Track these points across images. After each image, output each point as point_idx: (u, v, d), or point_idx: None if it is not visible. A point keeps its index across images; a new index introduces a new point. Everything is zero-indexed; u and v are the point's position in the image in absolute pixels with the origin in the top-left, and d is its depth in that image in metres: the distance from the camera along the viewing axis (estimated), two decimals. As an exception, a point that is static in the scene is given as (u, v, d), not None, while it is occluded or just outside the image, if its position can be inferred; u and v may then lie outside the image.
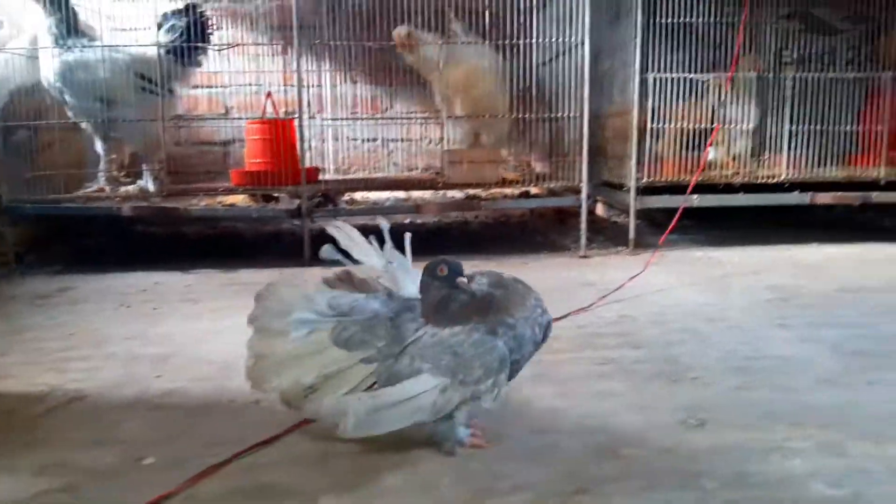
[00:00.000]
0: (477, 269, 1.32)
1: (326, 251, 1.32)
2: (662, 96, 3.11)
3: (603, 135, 3.54)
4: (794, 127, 3.13)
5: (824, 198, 3.10)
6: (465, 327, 1.23)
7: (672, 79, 3.08)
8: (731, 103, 3.11)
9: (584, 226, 3.08)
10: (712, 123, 3.10)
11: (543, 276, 2.72)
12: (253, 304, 1.30)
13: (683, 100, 3.13)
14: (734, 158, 3.16)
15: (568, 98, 3.11)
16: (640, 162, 3.11)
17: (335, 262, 1.33)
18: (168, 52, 3.08)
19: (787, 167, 3.17)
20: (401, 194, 3.49)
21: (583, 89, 3.01)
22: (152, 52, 3.05)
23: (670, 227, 3.02)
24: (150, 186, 3.17)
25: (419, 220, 4.04)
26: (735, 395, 1.52)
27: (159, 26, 3.13)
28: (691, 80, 3.08)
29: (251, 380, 1.29)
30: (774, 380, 1.60)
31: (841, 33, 3.59)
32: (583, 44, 2.98)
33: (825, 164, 3.29)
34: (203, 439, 1.35)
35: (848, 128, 3.21)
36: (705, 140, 3.14)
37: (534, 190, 3.45)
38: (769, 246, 3.21)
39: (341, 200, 3.40)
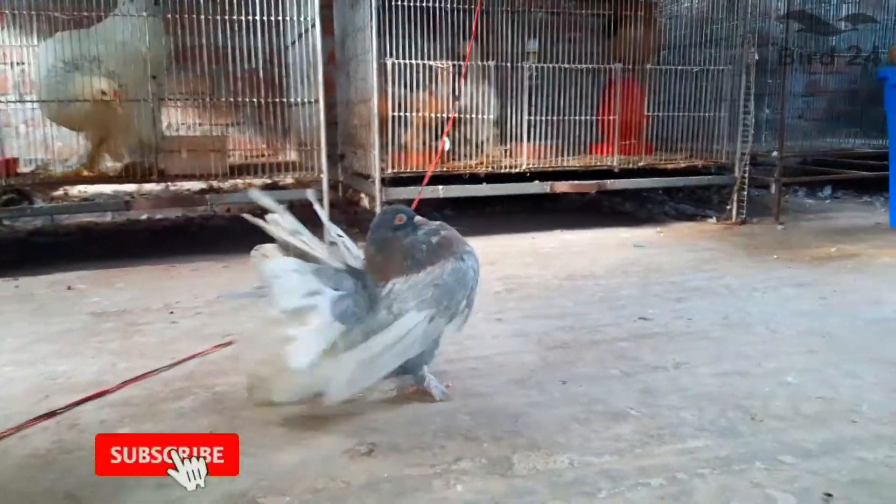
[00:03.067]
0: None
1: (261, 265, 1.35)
2: (403, 83, 2.99)
3: (352, 123, 3.36)
4: (532, 117, 3.16)
5: (562, 186, 3.18)
6: (438, 263, 1.36)
7: (411, 65, 2.96)
8: (470, 92, 3.06)
9: (325, 219, 2.86)
10: (458, 114, 3.03)
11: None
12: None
13: (424, 88, 3.03)
14: (476, 148, 3.12)
15: (307, 83, 2.88)
16: (384, 151, 2.97)
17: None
18: None
19: (529, 157, 3.20)
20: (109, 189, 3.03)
21: (317, 74, 2.79)
22: None
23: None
24: None
25: (145, 216, 3.61)
26: (417, 409, 1.39)
27: None
28: (430, 67, 2.99)
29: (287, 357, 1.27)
30: (468, 385, 1.50)
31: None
32: (314, 25, 2.75)
33: (566, 154, 3.39)
34: None
35: (585, 118, 3.32)
36: (451, 130, 3.07)
37: (288, 180, 3.19)
38: (516, 234, 3.24)
39: (48, 196, 2.89)
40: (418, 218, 1.41)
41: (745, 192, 3.50)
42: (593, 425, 1.30)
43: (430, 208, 3.88)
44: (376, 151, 2.92)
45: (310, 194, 1.55)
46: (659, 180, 3.43)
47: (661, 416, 1.34)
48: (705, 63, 3.51)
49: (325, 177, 2.84)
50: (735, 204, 3.51)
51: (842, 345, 1.74)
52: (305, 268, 1.33)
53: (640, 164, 3.35)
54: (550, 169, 3.22)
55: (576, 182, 3.22)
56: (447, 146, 2.95)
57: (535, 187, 3.15)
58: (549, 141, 3.32)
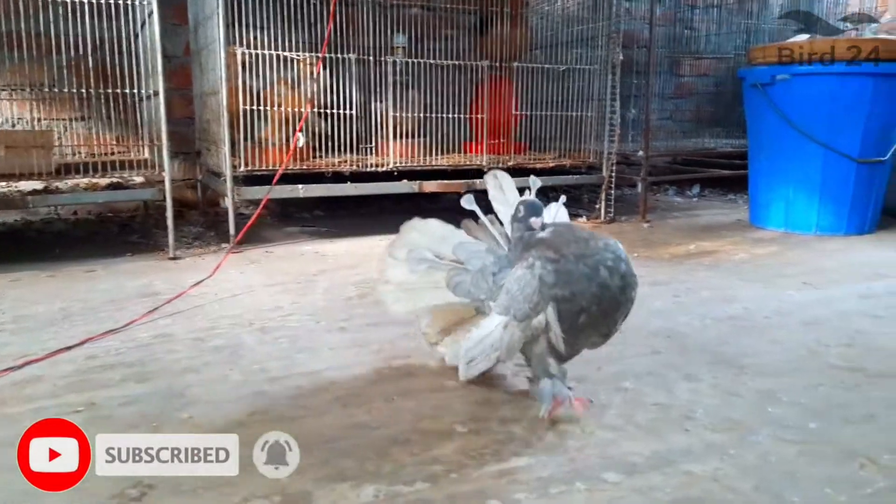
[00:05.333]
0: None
1: (466, 200, 1.42)
2: (257, 75, 2.79)
3: (205, 117, 3.13)
4: (399, 114, 3.04)
5: (431, 186, 3.07)
6: (515, 266, 1.26)
7: (264, 56, 2.77)
8: (330, 86, 2.89)
9: (170, 222, 2.62)
10: (314, 108, 2.86)
11: (108, 285, 2.22)
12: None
13: (281, 81, 2.85)
14: (340, 145, 2.95)
15: (147, 72, 2.63)
16: (237, 148, 2.76)
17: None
18: None
19: (397, 155, 3.07)
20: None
21: (156, 64, 2.55)
22: None
23: (250, 221, 2.73)
24: None
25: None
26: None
27: None
28: (286, 58, 2.81)
29: (378, 300, 1.50)
30: (285, 407, 1.34)
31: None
32: (150, 14, 2.51)
33: (438, 153, 3.29)
34: None
35: (456, 116, 3.23)
36: (309, 124, 2.90)
37: (138, 179, 2.91)
38: (386, 235, 3.07)
39: None
40: (543, 216, 1.28)
41: (613, 192, 3.52)
42: (413, 447, 1.18)
43: (298, 208, 3.70)
44: (226, 148, 2.71)
45: (465, 200, 1.46)
46: (528, 180, 3.38)
47: (489, 431, 1.24)
48: (573, 62, 3.50)
49: (167, 175, 2.59)
50: (603, 203, 3.52)
51: (687, 345, 1.71)
52: (447, 232, 1.44)
53: (510, 163, 3.29)
54: (419, 168, 3.11)
55: (445, 182, 3.12)
56: (301, 143, 2.77)
57: (403, 187, 3.02)
58: (418, 139, 3.21)
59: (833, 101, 3.08)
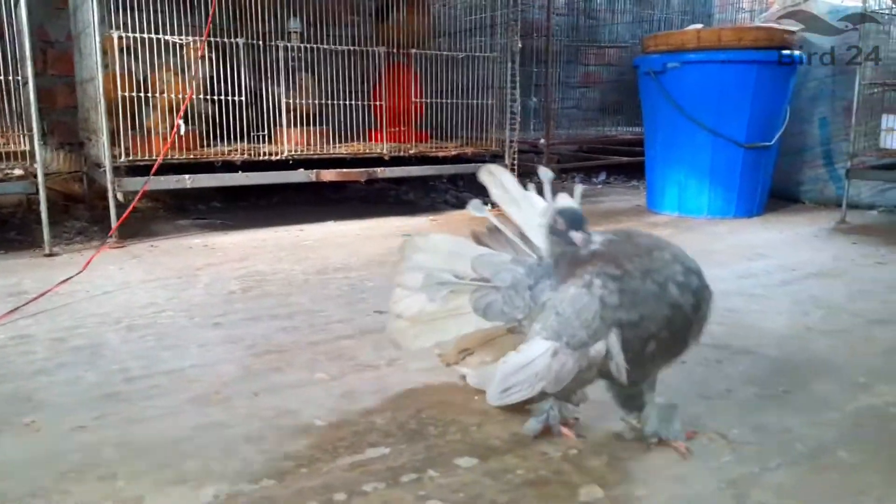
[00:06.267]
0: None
1: (475, 207, 1.25)
2: (140, 60, 2.65)
3: (84, 106, 2.96)
4: (293, 101, 2.95)
5: (329, 175, 3.00)
6: (566, 284, 1.07)
7: (143, 40, 2.63)
8: (217, 72, 2.79)
9: (44, 216, 2.46)
10: (199, 94, 2.75)
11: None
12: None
13: (165, 66, 2.72)
14: (224, 132, 2.85)
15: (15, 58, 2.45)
16: (118, 137, 2.62)
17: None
18: None
19: (294, 143, 2.99)
20: None
21: (24, 46, 2.38)
22: None
23: (124, 215, 2.58)
24: None
25: None
26: (55, 443, 1.14)
27: None
28: (169, 42, 2.68)
29: (392, 340, 1.29)
30: (135, 409, 1.27)
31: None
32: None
33: (340, 140, 3.23)
34: None
35: (356, 103, 3.16)
36: (196, 112, 2.79)
37: (17, 172, 2.72)
38: (285, 227, 3.02)
39: None
40: (590, 231, 1.07)
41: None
42: (266, 444, 1.13)
43: (194, 200, 3.56)
44: (104, 137, 2.56)
45: (542, 173, 1.24)
46: (430, 168, 3.37)
47: (349, 424, 1.20)
48: (475, 50, 3.50)
49: (39, 167, 2.43)
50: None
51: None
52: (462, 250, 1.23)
53: (411, 151, 3.26)
54: (317, 156, 3.04)
55: (344, 170, 3.06)
56: (182, 130, 2.65)
57: (299, 175, 2.95)
58: (316, 127, 3.13)
59: (720, 88, 3.19)
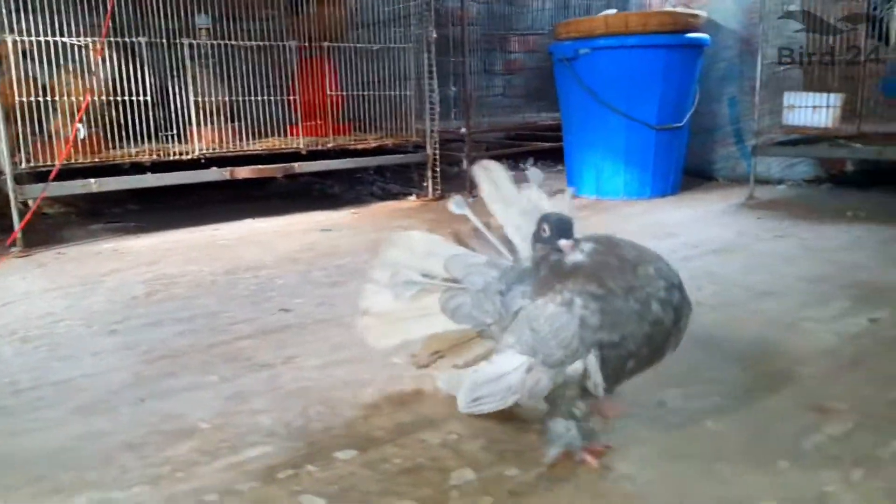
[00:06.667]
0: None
1: (456, 204, 1.24)
2: (39, 63, 2.57)
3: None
4: (201, 99, 2.90)
5: (243, 172, 2.97)
6: (544, 299, 1.02)
7: (38, 42, 2.55)
8: (120, 72, 2.72)
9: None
10: (103, 96, 2.68)
11: None
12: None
13: (65, 69, 2.64)
14: (131, 134, 2.78)
15: None
16: (19, 143, 2.53)
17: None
18: None
19: (207, 141, 2.94)
20: None
21: None
22: None
23: (22, 223, 2.52)
24: None
25: None
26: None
27: None
28: (66, 44, 2.60)
29: (363, 336, 1.24)
30: (15, 422, 1.24)
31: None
32: None
33: (258, 137, 3.19)
34: None
35: (270, 98, 3.13)
36: (100, 114, 2.71)
37: None
38: (202, 226, 2.98)
39: None
40: (576, 238, 1.01)
41: (438, 170, 3.56)
42: (146, 450, 1.13)
43: (109, 204, 3.48)
44: (4, 144, 2.48)
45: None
46: (351, 161, 3.36)
47: (233, 425, 1.21)
48: (392, 41, 3.49)
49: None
50: (430, 181, 3.56)
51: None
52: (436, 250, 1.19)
53: (329, 145, 3.25)
54: (231, 154, 3.00)
55: (259, 167, 3.03)
56: (81, 134, 2.58)
57: (212, 174, 2.90)
58: (229, 124, 3.09)
59: (630, 72, 3.27)
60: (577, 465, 1.05)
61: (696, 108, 3.48)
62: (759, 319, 1.68)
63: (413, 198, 3.60)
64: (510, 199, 1.20)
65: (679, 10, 3.41)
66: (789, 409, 1.22)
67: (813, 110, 3.12)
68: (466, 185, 3.74)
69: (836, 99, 3.11)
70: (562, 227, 1.01)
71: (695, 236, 2.58)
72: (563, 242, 1.00)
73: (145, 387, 1.38)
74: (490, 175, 1.23)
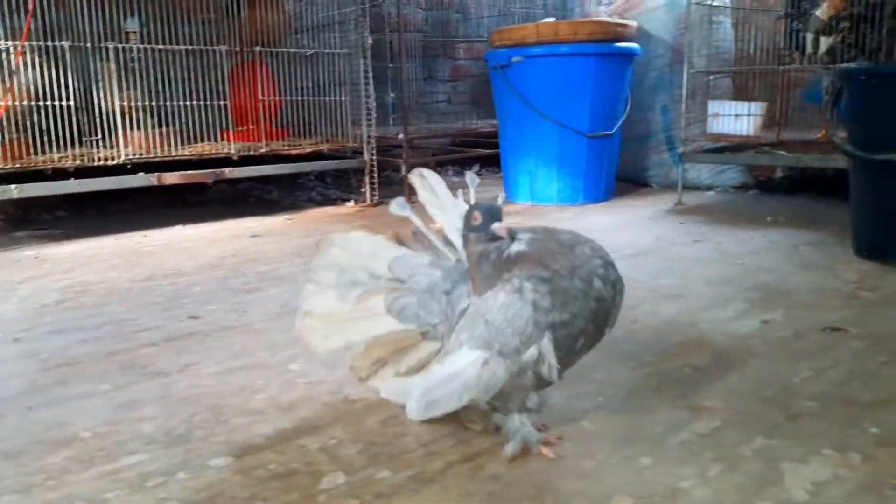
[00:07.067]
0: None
1: (398, 205, 1.23)
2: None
3: None
4: (127, 104, 2.87)
5: (171, 177, 2.95)
6: (493, 290, 1.04)
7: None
8: (40, 76, 2.68)
9: None
10: (24, 100, 2.64)
11: None
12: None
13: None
14: (54, 139, 2.74)
15: None
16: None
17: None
18: None
19: (133, 147, 2.91)
20: None
21: None
22: None
23: None
24: None
25: None
26: None
27: None
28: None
29: (300, 338, 1.23)
30: None
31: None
32: None
33: (189, 142, 3.16)
34: None
35: (199, 103, 3.11)
36: (20, 119, 2.67)
37: None
38: (130, 232, 2.95)
39: None
40: (510, 225, 1.05)
41: (376, 175, 3.58)
42: (24, 458, 1.12)
43: (38, 210, 3.41)
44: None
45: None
46: (285, 166, 3.35)
47: (116, 434, 1.20)
48: (328, 47, 3.50)
49: None
50: (368, 187, 3.58)
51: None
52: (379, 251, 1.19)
53: (262, 150, 3.24)
54: (159, 159, 2.97)
55: (188, 172, 3.01)
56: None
57: (138, 180, 2.88)
58: (158, 129, 3.06)
59: (562, 80, 3.33)
60: (448, 466, 1.08)
61: (630, 115, 3.56)
62: (659, 321, 1.73)
63: (351, 203, 3.61)
64: (447, 203, 1.24)
65: (610, 19, 3.48)
66: (666, 408, 1.27)
67: (735, 118, 3.23)
68: (405, 192, 3.76)
69: (757, 108, 3.23)
70: (492, 212, 1.06)
71: (616, 241, 2.63)
72: (496, 226, 1.04)
73: (38, 395, 1.37)
74: (425, 182, 1.27)
